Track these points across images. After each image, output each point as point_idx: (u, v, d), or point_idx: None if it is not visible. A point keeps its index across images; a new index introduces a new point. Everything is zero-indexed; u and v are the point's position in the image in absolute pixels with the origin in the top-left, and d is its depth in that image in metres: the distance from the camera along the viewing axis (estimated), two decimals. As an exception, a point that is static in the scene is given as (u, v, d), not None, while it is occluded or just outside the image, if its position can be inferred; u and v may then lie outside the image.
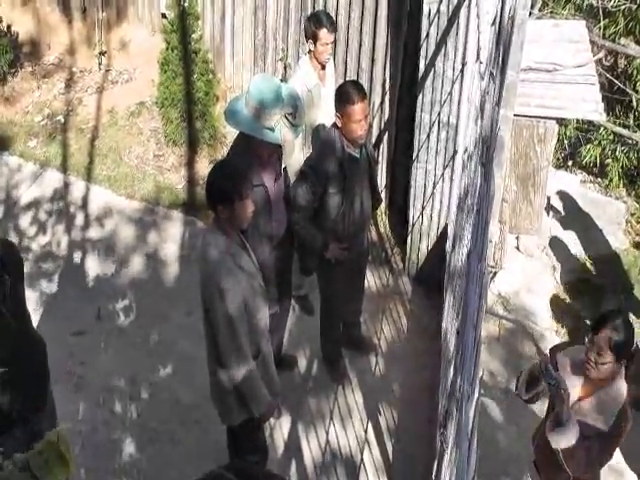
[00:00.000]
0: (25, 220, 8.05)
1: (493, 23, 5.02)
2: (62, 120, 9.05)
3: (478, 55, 6.16)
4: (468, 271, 4.62)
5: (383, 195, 7.48)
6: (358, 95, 5.64)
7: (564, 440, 4.50)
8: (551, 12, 8.66)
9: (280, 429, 6.33)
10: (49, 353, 5.31)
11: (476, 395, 3.58)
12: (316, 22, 6.56)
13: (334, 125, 5.80)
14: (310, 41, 6.59)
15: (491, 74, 5.10)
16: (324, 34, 6.53)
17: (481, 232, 4.21)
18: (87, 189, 8.36)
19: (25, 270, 6.82)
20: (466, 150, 6.57)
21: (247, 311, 4.79)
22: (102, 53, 9.54)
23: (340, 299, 6.36)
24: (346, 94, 5.65)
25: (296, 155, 6.68)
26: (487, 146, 4.66)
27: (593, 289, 7.50)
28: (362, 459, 6.17)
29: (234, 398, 5.02)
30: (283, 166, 5.89)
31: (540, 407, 6.51)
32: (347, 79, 7.56)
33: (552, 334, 7.13)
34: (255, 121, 5.40)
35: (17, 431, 4.79)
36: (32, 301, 7.04)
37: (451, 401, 4.68)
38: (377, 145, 7.90)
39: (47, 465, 3.80)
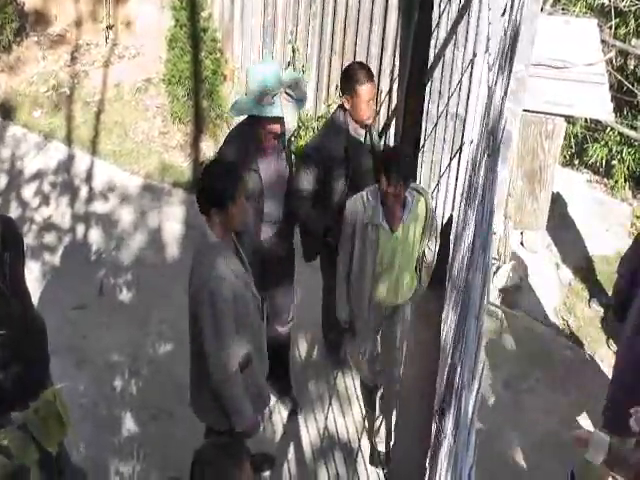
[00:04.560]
0: (29, 191, 8.02)
1: (503, 14, 5.04)
2: (67, 92, 9.00)
3: (487, 46, 6.19)
4: (471, 261, 4.64)
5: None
6: (366, 76, 5.68)
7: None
8: (563, 9, 8.65)
9: (279, 413, 6.34)
10: (51, 326, 5.30)
11: (476, 385, 3.59)
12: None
13: (341, 107, 5.79)
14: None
15: (500, 66, 5.12)
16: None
17: (486, 223, 4.23)
18: (91, 163, 8.32)
19: (27, 242, 6.86)
20: (472, 142, 6.60)
21: (237, 319, 4.64)
22: (109, 27, 9.47)
23: None
24: (355, 74, 5.66)
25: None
26: (494, 138, 4.68)
27: (595, 288, 7.53)
28: (360, 445, 6.18)
29: (216, 408, 4.86)
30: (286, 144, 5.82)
31: (539, 402, 6.60)
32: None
33: (552, 331, 7.16)
34: (256, 102, 5.35)
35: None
36: (34, 273, 7.06)
37: (450, 390, 4.69)
38: (384, 133, 7.88)
39: (44, 424, 3.79)
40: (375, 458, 6.11)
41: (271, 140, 5.49)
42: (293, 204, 5.83)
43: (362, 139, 5.83)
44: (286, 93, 5.41)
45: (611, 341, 7.05)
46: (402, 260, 5.58)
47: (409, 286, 5.76)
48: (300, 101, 5.53)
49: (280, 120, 5.43)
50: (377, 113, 6.03)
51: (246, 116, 5.57)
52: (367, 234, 5.39)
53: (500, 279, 7.32)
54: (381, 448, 6.13)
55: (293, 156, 7.92)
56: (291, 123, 5.87)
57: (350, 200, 5.47)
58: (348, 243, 5.50)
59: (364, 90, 5.63)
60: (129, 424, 6.21)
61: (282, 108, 5.38)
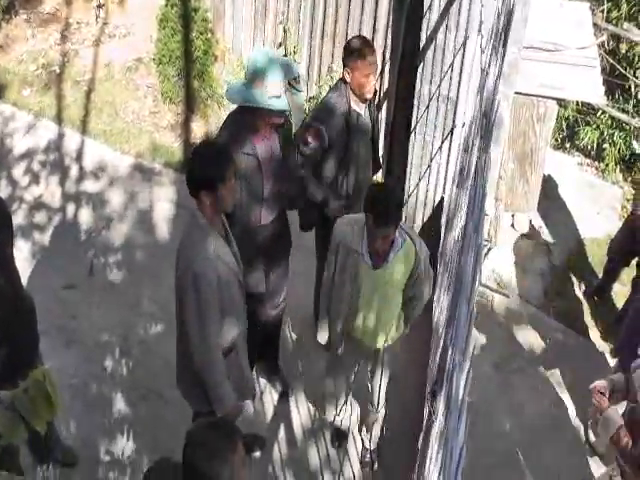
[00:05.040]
0: (18, 170, 7.98)
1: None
2: (57, 71, 8.94)
3: (480, 28, 6.16)
4: (463, 242, 4.64)
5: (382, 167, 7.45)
6: (368, 49, 5.68)
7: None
8: (556, -9, 8.63)
9: (270, 394, 6.35)
10: (41, 305, 5.28)
11: (467, 365, 3.59)
12: None
13: (342, 80, 5.80)
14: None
15: (493, 48, 5.11)
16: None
17: (478, 204, 4.22)
18: (82, 142, 8.28)
19: (17, 221, 6.81)
20: (464, 124, 6.59)
21: (221, 303, 4.62)
22: (100, 6, 9.41)
23: None
24: (356, 48, 5.66)
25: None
26: (487, 120, 4.68)
27: (585, 271, 7.55)
28: (350, 426, 6.19)
29: (199, 391, 4.84)
30: (293, 132, 5.83)
31: (529, 383, 6.62)
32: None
33: (543, 312, 7.18)
34: (261, 93, 5.30)
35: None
36: (23, 253, 7.03)
37: (442, 372, 4.70)
38: (377, 115, 7.85)
39: (33, 404, 3.78)
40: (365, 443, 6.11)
41: (270, 131, 5.51)
42: (293, 170, 5.85)
43: (362, 112, 5.83)
44: (289, 84, 5.41)
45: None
46: (382, 301, 5.21)
47: (390, 332, 5.40)
48: (301, 92, 5.56)
49: (285, 113, 5.49)
50: (375, 91, 5.99)
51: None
52: (349, 261, 5.10)
53: (490, 261, 7.33)
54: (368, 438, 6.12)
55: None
56: (298, 116, 5.89)
57: (341, 220, 5.24)
58: (332, 264, 5.22)
59: (364, 64, 5.64)
60: (119, 404, 6.21)
61: (287, 99, 5.40)
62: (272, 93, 5.30)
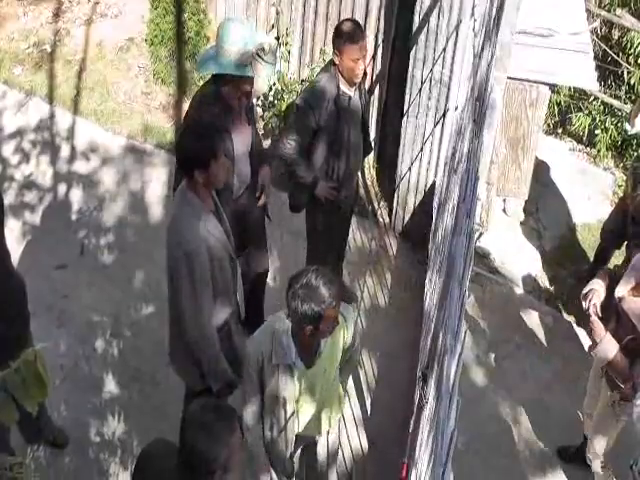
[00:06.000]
0: (9, 148, 7.92)
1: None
2: (48, 50, 8.87)
3: (473, 12, 6.16)
4: (455, 226, 4.65)
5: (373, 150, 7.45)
6: (358, 33, 5.64)
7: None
8: (548, -23, 8.61)
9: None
10: (31, 285, 5.25)
11: (459, 349, 3.60)
12: None
13: (331, 63, 5.78)
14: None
15: (486, 32, 5.10)
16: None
17: (470, 188, 4.23)
18: (73, 121, 8.22)
19: (7, 200, 6.78)
20: (456, 108, 6.59)
21: (214, 282, 4.66)
22: (91, -16, 9.35)
23: (326, 241, 6.35)
24: (346, 31, 5.63)
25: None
26: (480, 103, 4.68)
27: (577, 256, 7.57)
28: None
29: (192, 367, 4.88)
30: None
31: (519, 368, 6.65)
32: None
33: (534, 297, 7.20)
34: (229, 61, 5.31)
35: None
36: (15, 232, 7.00)
37: (433, 356, 4.71)
38: (368, 97, 7.83)
39: (24, 385, 3.77)
40: None
41: (242, 100, 5.48)
42: (282, 152, 5.87)
43: (352, 95, 5.82)
44: (257, 55, 5.39)
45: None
46: (322, 393, 4.64)
47: (332, 416, 4.86)
48: (271, 65, 5.51)
49: (252, 80, 5.45)
50: (365, 74, 5.98)
51: (209, 75, 5.57)
52: (278, 376, 4.41)
53: (481, 246, 7.34)
54: None
55: (275, 118, 7.96)
56: (262, 86, 5.86)
57: (253, 338, 4.46)
58: (255, 387, 4.49)
59: (354, 48, 5.60)
60: (110, 385, 6.21)
61: (254, 69, 5.40)
62: (237, 61, 5.29)
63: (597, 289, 5.21)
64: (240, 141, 5.55)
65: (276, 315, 4.47)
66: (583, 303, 5.22)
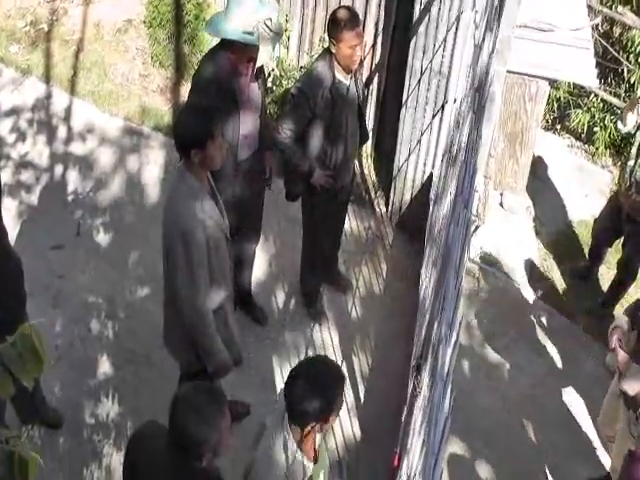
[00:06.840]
0: (4, 127, 7.85)
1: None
2: (46, 29, 8.79)
3: (474, 4, 6.15)
4: (452, 217, 4.65)
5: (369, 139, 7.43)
6: (353, 21, 5.62)
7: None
8: (550, -27, 8.61)
9: (255, 364, 6.33)
10: (27, 265, 5.22)
11: (454, 338, 3.61)
12: None
13: (327, 50, 5.77)
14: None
15: (487, 24, 5.10)
16: None
17: (468, 180, 4.24)
18: (70, 102, 8.15)
19: (3, 180, 6.73)
20: (455, 100, 6.58)
21: (209, 261, 4.66)
22: (90, -36, 9.28)
23: (323, 229, 6.36)
24: (342, 19, 5.61)
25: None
26: (479, 96, 4.68)
27: (573, 252, 7.59)
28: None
29: (188, 348, 4.89)
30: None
31: (514, 361, 6.67)
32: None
33: (529, 292, 7.21)
34: (235, 27, 5.31)
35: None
36: (11, 212, 6.95)
37: (427, 345, 4.72)
38: (367, 87, 7.82)
39: (20, 359, 3.75)
40: None
41: (249, 66, 5.50)
42: (278, 141, 5.85)
43: (348, 83, 5.81)
44: (265, 24, 5.37)
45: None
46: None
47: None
48: (277, 35, 5.50)
49: (257, 49, 5.45)
50: (362, 61, 5.97)
51: (219, 40, 5.55)
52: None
53: (478, 239, 7.35)
54: None
55: (274, 104, 7.93)
56: (266, 56, 5.84)
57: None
58: None
59: (350, 35, 5.58)
60: (105, 367, 6.19)
61: (259, 38, 5.38)
62: (245, 28, 5.28)
63: (620, 325, 5.38)
64: (247, 98, 5.55)
65: None
66: (609, 341, 5.38)
